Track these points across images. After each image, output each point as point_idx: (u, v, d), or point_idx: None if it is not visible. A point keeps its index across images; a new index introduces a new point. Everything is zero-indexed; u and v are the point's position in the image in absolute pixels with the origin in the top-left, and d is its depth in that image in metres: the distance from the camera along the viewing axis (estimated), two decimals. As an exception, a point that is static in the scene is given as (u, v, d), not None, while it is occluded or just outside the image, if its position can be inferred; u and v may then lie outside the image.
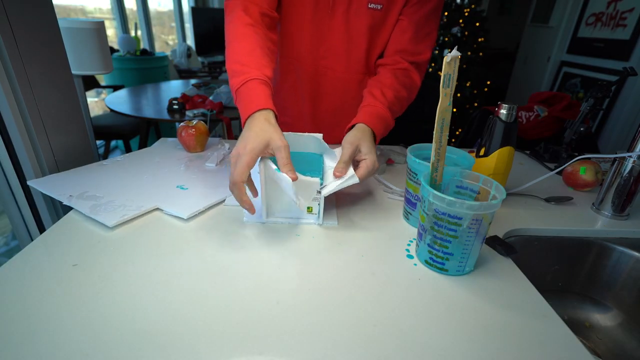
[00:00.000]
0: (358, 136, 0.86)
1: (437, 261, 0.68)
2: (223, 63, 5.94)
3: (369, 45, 1.11)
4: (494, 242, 0.77)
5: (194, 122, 1.18)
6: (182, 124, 1.17)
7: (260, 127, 0.76)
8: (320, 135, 0.88)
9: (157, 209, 0.85)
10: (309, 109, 1.26)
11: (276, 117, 0.81)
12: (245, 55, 0.89)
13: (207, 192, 0.92)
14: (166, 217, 0.83)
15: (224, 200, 0.90)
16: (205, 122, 2.32)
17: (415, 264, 0.71)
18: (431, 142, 0.68)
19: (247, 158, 0.72)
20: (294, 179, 0.72)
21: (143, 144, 2.83)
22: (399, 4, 1.04)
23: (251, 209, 0.75)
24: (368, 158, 0.83)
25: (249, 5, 0.97)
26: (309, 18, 1.10)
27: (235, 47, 0.91)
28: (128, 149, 3.09)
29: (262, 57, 0.90)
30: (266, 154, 0.76)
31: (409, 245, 0.77)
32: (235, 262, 0.69)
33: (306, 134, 0.89)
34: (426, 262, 0.70)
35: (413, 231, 0.82)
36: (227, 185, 0.95)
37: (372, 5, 1.05)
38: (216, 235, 0.77)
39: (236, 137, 2.67)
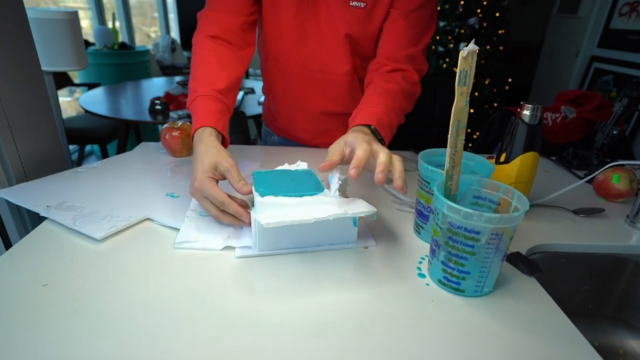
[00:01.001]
0: (359, 135, 0.82)
1: (452, 281, 0.69)
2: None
3: (354, 44, 1.14)
4: (515, 260, 0.77)
5: (179, 123, 1.19)
6: (165, 125, 1.18)
7: (203, 151, 0.82)
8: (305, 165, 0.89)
9: (148, 219, 0.87)
10: (300, 113, 1.30)
11: (222, 134, 0.90)
12: (199, 69, 0.99)
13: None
14: (159, 228, 0.84)
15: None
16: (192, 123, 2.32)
17: (427, 284, 0.71)
18: (445, 146, 0.69)
19: (207, 188, 0.78)
20: (248, 193, 0.76)
21: (122, 149, 2.84)
22: (384, 2, 1.07)
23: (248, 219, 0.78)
24: (381, 151, 0.76)
25: (216, 16, 1.06)
26: (291, 17, 1.14)
27: (193, 62, 1.02)
28: (105, 155, 3.10)
29: (217, 68, 0.99)
30: (217, 177, 0.81)
31: (420, 262, 0.77)
32: (232, 281, 0.69)
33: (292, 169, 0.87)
34: (440, 282, 0.71)
35: (425, 247, 0.82)
36: None
37: (355, 4, 1.09)
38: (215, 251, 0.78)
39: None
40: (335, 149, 0.81)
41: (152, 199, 0.93)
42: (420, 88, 1.12)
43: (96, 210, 0.86)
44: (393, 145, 1.46)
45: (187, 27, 5.33)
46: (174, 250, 0.77)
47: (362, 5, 1.08)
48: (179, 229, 0.82)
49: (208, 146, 0.83)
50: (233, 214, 0.78)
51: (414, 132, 1.75)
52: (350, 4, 1.08)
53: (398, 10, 1.07)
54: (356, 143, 0.78)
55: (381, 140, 0.93)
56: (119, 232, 0.81)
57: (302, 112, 1.29)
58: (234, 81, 1.00)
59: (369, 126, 0.93)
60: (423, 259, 0.78)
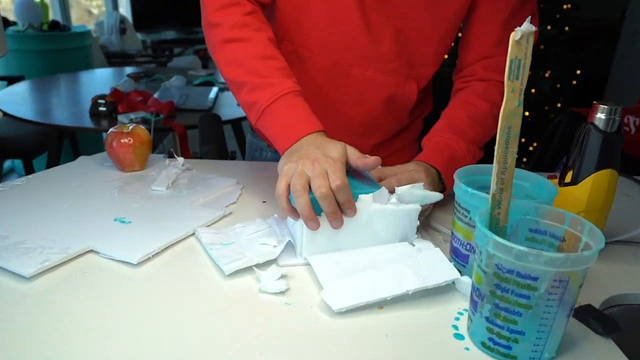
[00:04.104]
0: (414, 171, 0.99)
1: (501, 344, 0.69)
2: (174, 42, 6.00)
3: (411, 31, 1.15)
4: (586, 315, 0.77)
5: (130, 127, 1.20)
6: (112, 129, 1.19)
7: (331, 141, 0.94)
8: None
9: (91, 251, 0.88)
10: (323, 122, 1.28)
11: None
12: (259, 58, 1.04)
13: (160, 227, 0.95)
14: (105, 262, 0.85)
15: (184, 239, 0.93)
16: (149, 130, 2.34)
17: (467, 348, 0.72)
18: (490, 162, 0.69)
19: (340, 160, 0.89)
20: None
21: (53, 165, 2.85)
22: None
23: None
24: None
25: None
26: None
27: (241, 49, 1.05)
28: (30, 173, 3.10)
29: (281, 59, 1.06)
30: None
31: (457, 319, 0.77)
32: (213, 329, 0.70)
33: None
34: (484, 345, 0.71)
35: (464, 298, 0.82)
36: (185, 217, 1.00)
37: None
38: (181, 286, 0.80)
39: (194, 153, 2.69)
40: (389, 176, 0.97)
41: (96, 226, 0.94)
42: None
43: (22, 240, 0.87)
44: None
45: (142, 1, 5.37)
46: (126, 291, 0.78)
47: None
48: (131, 262, 0.83)
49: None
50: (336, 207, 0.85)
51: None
52: None
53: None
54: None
55: (442, 188, 1.02)
56: (54, 268, 0.82)
57: (325, 123, 1.27)
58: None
59: (438, 171, 1.03)
60: (461, 314, 0.78)
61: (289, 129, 0.97)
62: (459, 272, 0.84)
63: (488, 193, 0.70)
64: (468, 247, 0.82)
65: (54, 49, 3.92)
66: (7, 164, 3.87)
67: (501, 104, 1.02)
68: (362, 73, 1.20)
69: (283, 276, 0.83)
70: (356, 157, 0.91)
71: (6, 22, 3.98)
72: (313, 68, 1.21)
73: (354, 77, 1.21)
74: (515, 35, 0.61)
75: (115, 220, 0.97)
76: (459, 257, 0.84)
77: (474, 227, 0.78)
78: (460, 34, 1.24)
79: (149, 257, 0.87)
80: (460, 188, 0.81)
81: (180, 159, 1.25)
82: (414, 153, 1.49)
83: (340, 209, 0.85)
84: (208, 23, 1.09)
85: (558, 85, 4.08)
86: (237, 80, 1.05)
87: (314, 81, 1.23)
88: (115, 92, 2.69)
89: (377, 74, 1.20)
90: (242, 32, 1.06)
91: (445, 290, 0.84)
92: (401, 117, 1.30)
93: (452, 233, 0.85)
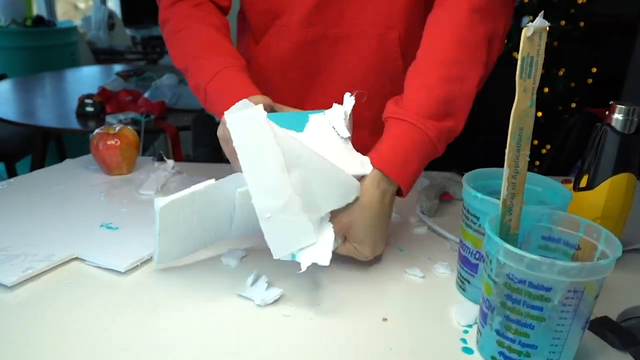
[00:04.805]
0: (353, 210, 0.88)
1: (512, 357, 0.69)
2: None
3: None
4: (603, 328, 0.77)
5: (117, 128, 1.20)
6: (98, 130, 1.19)
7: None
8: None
9: (77, 258, 0.88)
10: (310, 99, 1.27)
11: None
12: (201, 44, 1.07)
13: (149, 233, 0.93)
14: (91, 270, 0.85)
15: None
16: (138, 132, 2.34)
17: (477, 364, 0.72)
18: (500, 165, 0.69)
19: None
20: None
21: (37, 168, 2.85)
22: None
23: None
24: (359, 246, 0.90)
25: None
26: None
27: (185, 38, 1.09)
28: (13, 176, 3.09)
29: (225, 41, 1.08)
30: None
31: (465, 332, 0.77)
32: (205, 342, 0.70)
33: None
34: None
35: (473, 309, 0.82)
36: None
37: None
38: (172, 296, 0.79)
39: (187, 156, 2.68)
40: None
41: (81, 232, 0.94)
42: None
43: (4, 247, 0.87)
44: (429, 164, 1.47)
45: (132, -5, 5.39)
46: (113, 301, 0.78)
47: None
48: (118, 270, 0.83)
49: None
50: None
51: (458, 143, 1.76)
52: None
53: None
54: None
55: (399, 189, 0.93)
56: (37, 277, 0.82)
57: (321, 94, 1.27)
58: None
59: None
60: (470, 326, 0.78)
61: (229, 102, 0.87)
62: (468, 281, 0.84)
63: (498, 198, 0.70)
64: (477, 256, 0.82)
65: (39, 45, 3.92)
66: (-11, 167, 3.87)
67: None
68: (337, 32, 1.18)
69: (270, 285, 0.83)
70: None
71: (-12, 18, 3.99)
72: (289, 45, 1.20)
73: (329, 38, 1.19)
74: (527, 32, 0.61)
75: (102, 226, 0.97)
76: (468, 266, 0.84)
77: (483, 234, 0.78)
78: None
79: (138, 265, 0.87)
80: (469, 193, 0.80)
81: (170, 162, 1.26)
82: None
83: None
84: (161, 21, 1.15)
85: (573, 84, 4.09)
86: (183, 68, 1.08)
87: (292, 59, 1.23)
88: (103, 91, 2.70)
89: (351, 28, 1.17)
90: (186, 22, 1.10)
91: (452, 302, 0.84)
92: (393, 79, 1.21)
93: (460, 241, 0.85)
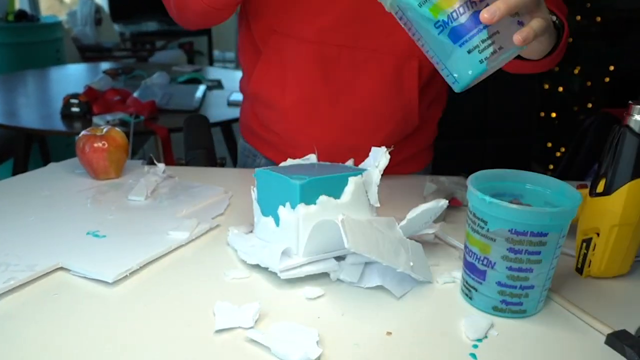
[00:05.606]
0: None
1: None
2: (156, 35, 6.00)
3: None
4: (620, 342, 0.77)
5: (105, 129, 1.20)
6: (84, 132, 1.19)
7: None
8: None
9: (61, 268, 0.88)
10: (326, 117, 1.28)
11: None
12: None
13: (139, 241, 0.95)
14: (77, 281, 0.85)
15: (166, 254, 0.94)
16: (127, 134, 2.34)
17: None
18: (506, 167, 0.72)
19: None
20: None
21: (19, 172, 2.85)
22: None
23: None
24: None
25: None
26: None
27: None
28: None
29: None
30: None
31: (475, 347, 0.77)
32: (197, 357, 0.70)
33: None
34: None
35: (483, 323, 0.82)
36: (166, 230, 0.99)
37: None
38: (162, 308, 0.79)
39: (178, 159, 2.68)
40: None
41: (67, 240, 0.94)
42: None
43: (-17, 257, 0.87)
44: (436, 168, 1.47)
45: (121, -12, 5.39)
46: (100, 313, 0.78)
47: None
48: (106, 281, 0.83)
49: None
50: None
51: (459, 145, 1.75)
52: None
53: None
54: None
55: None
56: (20, 288, 0.82)
57: (329, 116, 1.28)
58: None
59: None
60: (479, 341, 0.78)
61: None
62: (475, 288, 0.84)
63: (507, 201, 0.72)
64: (485, 262, 0.82)
65: (21, 42, 3.92)
66: (-33, 172, 3.88)
67: None
68: (351, 55, 1.20)
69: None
70: None
71: (-33, 12, 3.99)
72: (297, 55, 1.22)
73: (343, 59, 1.21)
74: None
75: (88, 234, 0.97)
76: (475, 274, 0.84)
77: (491, 239, 0.79)
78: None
79: (126, 275, 0.86)
80: (475, 196, 0.80)
81: (161, 165, 1.26)
82: (426, 162, 1.48)
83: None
84: None
85: (589, 83, 4.07)
86: None
87: (301, 72, 1.24)
88: (89, 90, 2.69)
89: (369, 53, 1.20)
90: None
91: (458, 311, 0.84)
92: (406, 109, 1.27)
93: (466, 246, 0.85)
